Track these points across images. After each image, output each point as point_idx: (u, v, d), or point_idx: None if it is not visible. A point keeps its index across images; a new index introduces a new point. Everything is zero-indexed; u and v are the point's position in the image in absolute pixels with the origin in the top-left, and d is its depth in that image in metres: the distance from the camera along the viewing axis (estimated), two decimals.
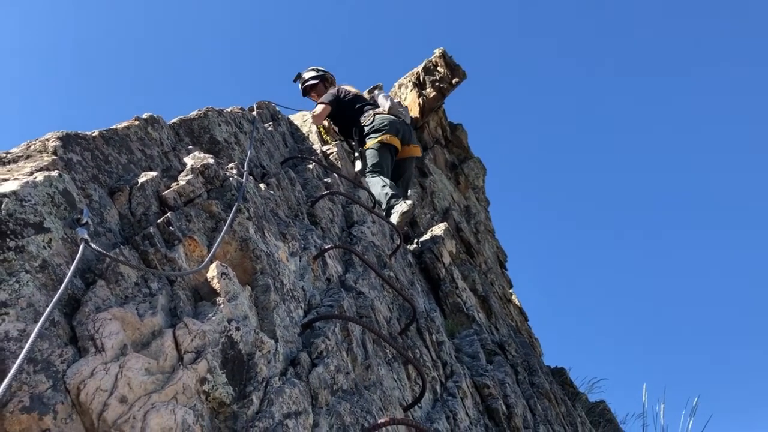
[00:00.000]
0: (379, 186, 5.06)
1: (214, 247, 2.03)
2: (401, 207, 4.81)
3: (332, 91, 5.69)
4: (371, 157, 5.30)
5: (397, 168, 5.62)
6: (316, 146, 4.65)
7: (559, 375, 8.45)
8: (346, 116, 5.64)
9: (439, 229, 5.87)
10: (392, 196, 4.98)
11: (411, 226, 6.84)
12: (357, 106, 5.60)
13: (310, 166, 3.91)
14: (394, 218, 4.72)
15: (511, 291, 10.48)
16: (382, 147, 5.39)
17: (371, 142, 5.36)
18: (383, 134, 5.41)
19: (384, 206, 4.95)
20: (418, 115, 10.00)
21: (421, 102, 10.01)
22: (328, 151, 4.75)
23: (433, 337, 3.57)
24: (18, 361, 1.14)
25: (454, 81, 9.91)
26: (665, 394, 11.36)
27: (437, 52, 10.02)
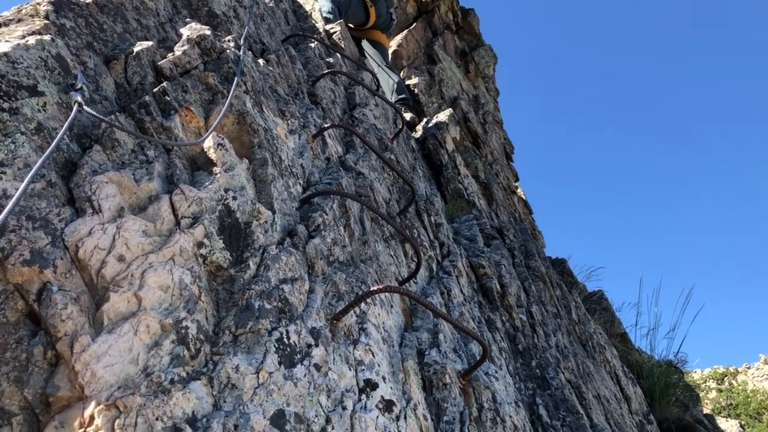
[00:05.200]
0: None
1: (216, 121, 2.03)
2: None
3: None
4: None
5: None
6: (319, 25, 4.54)
7: (559, 265, 8.63)
8: None
9: (443, 116, 5.82)
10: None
11: (417, 113, 6.79)
12: None
13: (312, 45, 3.82)
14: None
15: (516, 184, 10.51)
16: None
17: None
18: None
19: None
20: None
21: None
22: (332, 30, 4.63)
23: (432, 219, 3.62)
24: (14, 200, 1.17)
25: None
26: (661, 283, 11.64)
27: None
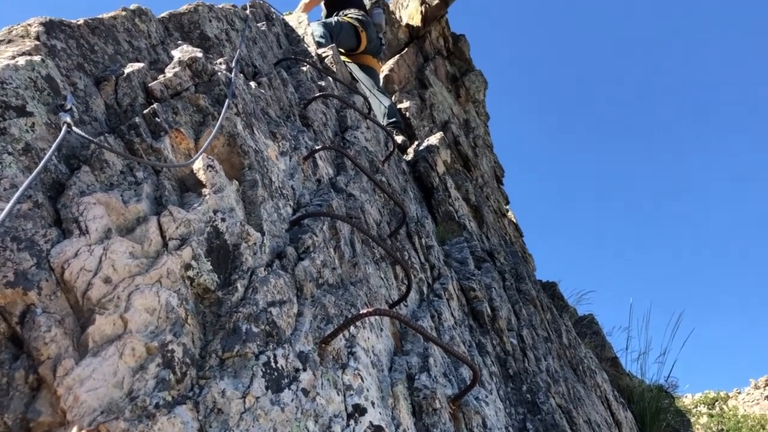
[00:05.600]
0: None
1: (206, 142, 2.03)
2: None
3: None
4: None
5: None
6: (312, 49, 4.57)
7: (550, 289, 8.63)
8: (336, 4, 6.01)
9: (434, 139, 5.85)
10: None
11: (409, 137, 6.83)
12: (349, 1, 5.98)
13: (305, 68, 3.84)
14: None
15: (507, 207, 10.55)
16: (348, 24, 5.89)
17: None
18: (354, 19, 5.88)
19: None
20: (420, 24, 9.77)
21: (423, 10, 9.75)
22: (324, 54, 4.66)
23: (423, 241, 3.62)
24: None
25: None
26: (651, 307, 11.65)
27: None
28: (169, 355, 1.45)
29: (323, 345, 1.85)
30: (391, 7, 9.98)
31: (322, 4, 6.34)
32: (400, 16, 9.97)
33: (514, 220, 10.30)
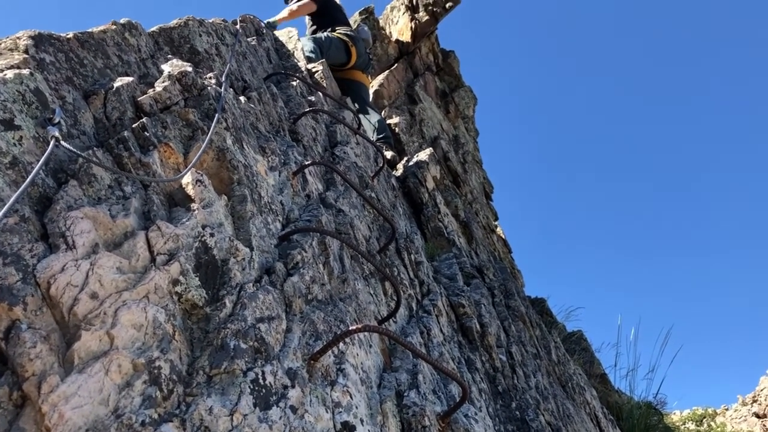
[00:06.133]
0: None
1: (196, 157, 2.02)
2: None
3: None
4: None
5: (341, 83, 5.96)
6: (302, 64, 4.58)
7: (539, 305, 8.63)
8: (323, 21, 6.01)
9: (424, 155, 5.86)
10: None
11: (398, 152, 6.84)
12: (337, 15, 5.99)
13: (294, 83, 3.85)
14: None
15: (496, 223, 10.57)
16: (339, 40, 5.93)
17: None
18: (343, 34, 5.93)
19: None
20: (410, 40, 9.82)
21: (413, 26, 9.81)
22: (314, 69, 4.67)
23: (412, 257, 3.61)
24: None
25: (447, 5, 9.70)
26: (640, 323, 11.67)
27: None
28: (155, 371, 1.43)
29: (312, 362, 1.84)
30: (381, 23, 10.04)
31: (308, 20, 6.37)
32: (390, 32, 10.03)
33: (503, 236, 10.32)
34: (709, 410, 23.68)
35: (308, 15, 6.25)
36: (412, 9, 9.84)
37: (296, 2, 6.01)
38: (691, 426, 22.18)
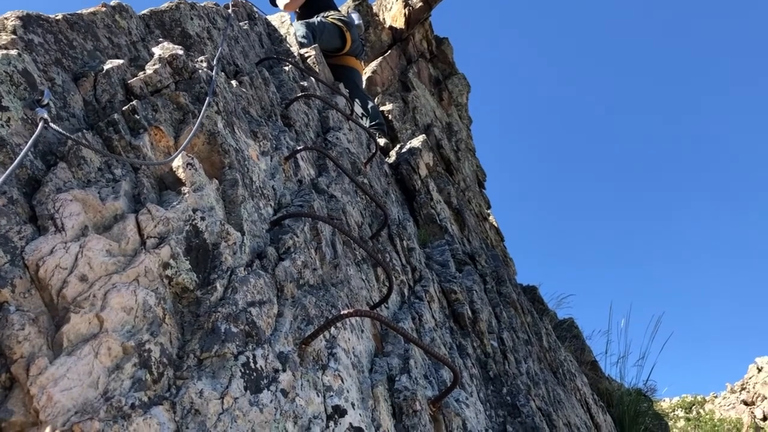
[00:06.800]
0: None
1: (186, 140, 2.00)
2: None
3: None
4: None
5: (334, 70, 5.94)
6: (294, 49, 4.55)
7: (530, 292, 8.66)
8: (310, 10, 5.96)
9: (417, 142, 5.85)
10: None
11: (391, 139, 6.82)
12: (325, 2, 5.96)
13: (287, 68, 3.82)
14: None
15: (488, 211, 10.57)
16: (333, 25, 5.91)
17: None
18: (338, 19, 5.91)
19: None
20: (403, 27, 9.77)
21: (407, 12, 9.75)
22: (306, 54, 4.64)
23: (404, 243, 3.61)
24: None
25: None
26: (630, 311, 11.74)
27: None
28: (145, 354, 1.42)
29: (303, 346, 1.84)
30: (375, 9, 9.98)
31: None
32: (384, 18, 9.97)
33: (496, 224, 10.33)
34: (699, 397, 23.90)
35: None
36: None
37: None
38: (681, 413, 22.39)
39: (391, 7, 9.91)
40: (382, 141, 5.83)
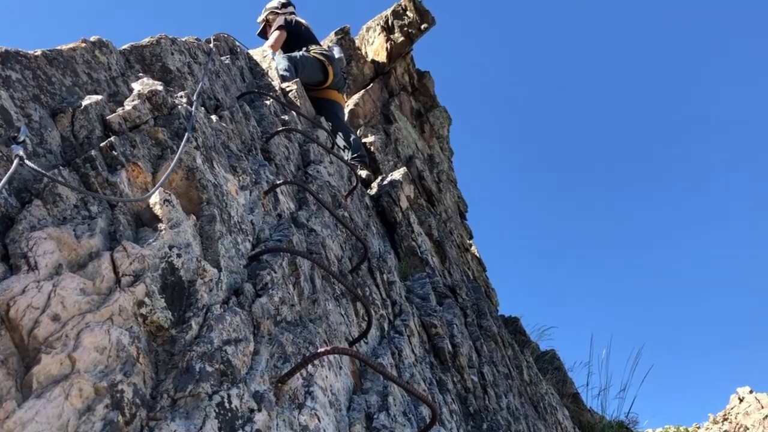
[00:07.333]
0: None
1: (164, 177, 2.00)
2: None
3: (282, 17, 6.13)
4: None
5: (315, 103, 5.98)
6: (275, 83, 4.58)
7: (512, 324, 8.66)
8: (293, 43, 6.04)
9: (398, 174, 5.88)
10: None
11: (373, 171, 6.86)
12: (306, 37, 6.04)
13: (268, 102, 3.84)
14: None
15: (470, 241, 10.61)
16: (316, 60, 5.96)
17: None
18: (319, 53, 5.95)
19: None
20: (385, 60, 9.88)
21: (389, 46, 9.88)
22: (287, 89, 4.68)
23: (384, 276, 3.61)
24: None
25: (422, 26, 9.80)
26: (611, 342, 11.77)
27: None
28: (118, 395, 1.40)
29: (280, 384, 1.82)
30: (357, 43, 10.09)
31: None
32: (366, 52, 10.08)
33: (478, 255, 10.36)
34: (681, 428, 23.85)
35: None
36: (388, 30, 9.91)
37: (271, 36, 6.09)
38: None
39: (373, 41, 10.03)
40: (363, 173, 5.86)
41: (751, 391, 23.25)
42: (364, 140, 7.67)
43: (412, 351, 3.13)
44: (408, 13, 9.77)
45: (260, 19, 6.72)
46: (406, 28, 9.74)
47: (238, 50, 4.56)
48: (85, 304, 1.51)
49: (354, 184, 4.26)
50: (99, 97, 2.17)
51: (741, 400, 23.55)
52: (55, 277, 1.49)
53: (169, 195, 1.98)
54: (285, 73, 5.32)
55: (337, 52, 6.27)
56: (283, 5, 6.77)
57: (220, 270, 2.01)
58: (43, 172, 1.60)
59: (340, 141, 5.93)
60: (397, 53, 9.94)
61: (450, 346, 3.60)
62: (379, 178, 6.19)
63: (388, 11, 9.93)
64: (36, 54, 2.12)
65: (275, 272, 2.25)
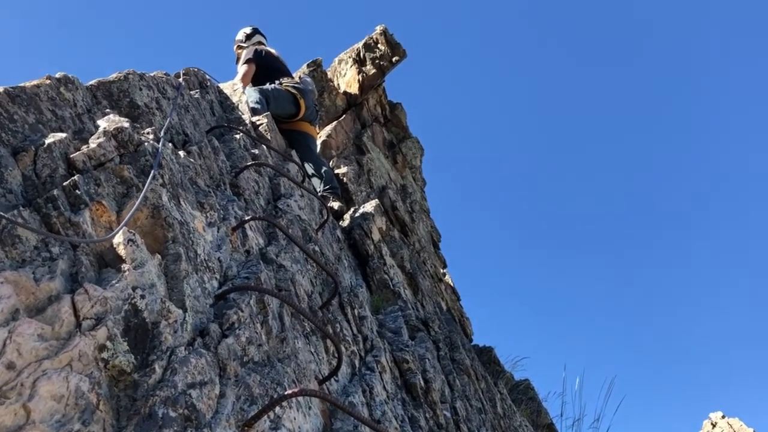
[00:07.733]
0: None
1: (128, 216, 1.97)
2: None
3: (251, 49, 6.16)
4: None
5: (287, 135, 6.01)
6: (246, 117, 4.57)
7: (486, 354, 8.65)
8: (261, 78, 6.08)
9: (370, 206, 5.88)
10: None
11: (346, 202, 6.85)
12: (277, 68, 6.07)
13: (238, 136, 3.83)
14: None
15: (444, 270, 10.61)
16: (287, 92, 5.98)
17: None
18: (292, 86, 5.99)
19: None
20: (357, 92, 9.94)
21: (360, 78, 9.95)
22: (258, 122, 4.67)
23: (356, 311, 3.58)
24: None
25: (394, 59, 9.90)
26: (584, 373, 11.79)
27: (378, 29, 9.98)
28: None
29: (246, 428, 1.78)
30: (329, 75, 10.15)
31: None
32: (338, 84, 10.14)
33: (451, 284, 10.36)
34: None
35: None
36: (360, 62, 9.99)
37: (240, 70, 6.14)
38: None
39: (345, 73, 10.11)
40: (336, 204, 5.85)
41: (723, 416, 23.42)
42: (336, 171, 7.68)
43: (384, 388, 3.09)
44: (380, 45, 9.87)
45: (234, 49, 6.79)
46: (377, 61, 9.83)
47: (208, 84, 4.55)
48: (42, 350, 1.46)
49: (325, 217, 4.25)
50: (63, 134, 2.14)
51: (714, 425, 23.70)
52: (11, 323, 1.45)
53: (134, 234, 1.94)
54: (256, 106, 5.32)
55: (309, 84, 6.30)
56: (248, 36, 6.81)
57: (185, 311, 1.97)
58: (2, 213, 1.57)
59: (311, 172, 5.92)
60: (369, 85, 10.02)
61: (422, 382, 3.57)
62: (352, 209, 6.18)
63: (360, 44, 10.03)
64: None
65: (242, 311, 2.21)
